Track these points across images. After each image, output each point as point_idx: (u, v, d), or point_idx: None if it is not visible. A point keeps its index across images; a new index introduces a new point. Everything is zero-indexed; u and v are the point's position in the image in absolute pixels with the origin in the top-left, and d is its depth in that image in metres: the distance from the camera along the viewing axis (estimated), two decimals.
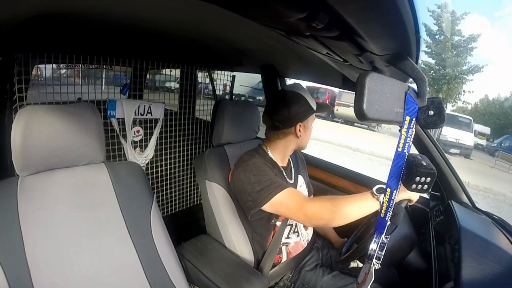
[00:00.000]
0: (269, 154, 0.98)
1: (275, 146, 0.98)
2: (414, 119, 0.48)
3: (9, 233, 0.62)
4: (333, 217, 0.75)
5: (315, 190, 1.22)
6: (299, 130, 0.93)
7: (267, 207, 0.83)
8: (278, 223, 0.96)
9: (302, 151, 1.12)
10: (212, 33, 0.91)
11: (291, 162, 1.05)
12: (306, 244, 1.04)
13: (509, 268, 0.66)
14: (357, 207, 0.74)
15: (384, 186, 0.68)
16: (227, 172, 1.01)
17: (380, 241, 0.60)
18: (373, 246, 0.61)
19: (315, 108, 0.94)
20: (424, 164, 0.49)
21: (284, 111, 0.92)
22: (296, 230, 1.01)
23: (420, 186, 0.50)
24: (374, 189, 0.74)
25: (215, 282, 0.88)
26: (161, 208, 1.52)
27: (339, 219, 0.74)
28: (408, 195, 0.76)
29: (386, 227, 0.59)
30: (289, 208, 0.82)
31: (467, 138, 8.39)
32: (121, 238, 0.76)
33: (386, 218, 0.57)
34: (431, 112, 0.50)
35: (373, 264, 0.61)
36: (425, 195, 1.21)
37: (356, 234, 0.97)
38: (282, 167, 0.99)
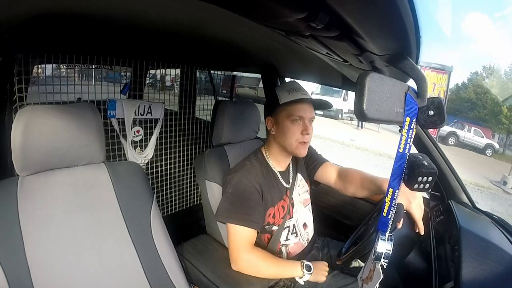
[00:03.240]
0: (267, 158, 0.98)
1: (268, 147, 1.00)
2: (414, 120, 0.48)
3: (9, 233, 0.62)
4: (257, 274, 0.87)
5: (316, 192, 1.22)
6: (271, 126, 0.94)
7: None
8: (275, 228, 0.96)
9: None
10: (212, 33, 0.91)
11: (290, 165, 1.04)
12: (307, 244, 1.04)
13: (509, 268, 0.66)
14: (281, 273, 0.89)
15: (311, 264, 0.88)
16: (228, 172, 1.01)
17: (387, 239, 0.60)
18: (383, 245, 0.60)
19: (281, 102, 0.89)
20: (426, 164, 0.49)
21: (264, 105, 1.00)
22: (294, 231, 1.00)
23: (422, 185, 0.50)
24: (304, 263, 0.87)
25: (215, 282, 0.88)
26: (161, 208, 1.52)
27: (262, 276, 0.87)
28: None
29: (389, 226, 0.59)
30: (231, 241, 0.89)
31: (337, 103, 10.98)
32: (121, 238, 0.76)
33: (389, 217, 0.57)
34: (431, 112, 0.50)
35: (382, 262, 0.61)
36: (425, 195, 1.21)
37: (356, 234, 0.97)
38: (279, 171, 0.99)
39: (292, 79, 1.45)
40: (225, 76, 1.79)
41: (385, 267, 0.61)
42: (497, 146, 12.38)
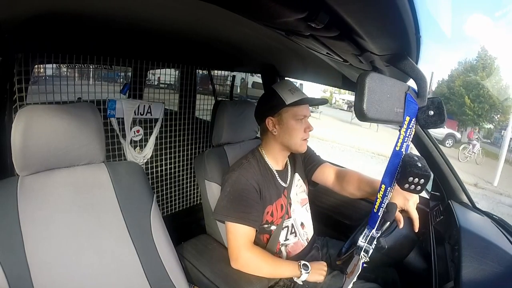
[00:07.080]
0: (264, 157, 0.98)
1: (265, 147, 0.99)
2: (413, 119, 0.48)
3: (9, 233, 0.62)
4: (256, 272, 0.88)
5: (315, 193, 1.22)
6: (273, 126, 0.93)
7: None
8: (273, 228, 0.96)
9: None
10: (212, 33, 0.91)
11: (289, 164, 1.04)
12: (306, 243, 1.04)
13: (509, 268, 0.66)
14: (279, 273, 0.90)
15: (308, 264, 0.88)
16: (226, 172, 1.01)
17: (370, 235, 0.61)
18: (366, 239, 0.62)
19: (287, 103, 0.89)
20: (419, 165, 0.49)
21: (258, 105, 0.99)
22: (293, 230, 1.00)
23: (413, 186, 0.50)
24: (302, 263, 0.88)
25: (215, 282, 0.88)
26: (161, 208, 1.52)
27: (261, 275, 0.88)
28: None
29: (378, 223, 0.60)
30: (230, 240, 0.89)
31: None
32: (121, 238, 0.76)
33: (379, 214, 0.58)
34: (431, 112, 0.50)
35: (361, 256, 0.62)
36: (425, 195, 1.21)
37: (355, 234, 0.97)
38: (276, 170, 0.99)
39: (286, 78, 1.46)
40: (201, 75, 1.86)
41: (364, 261, 0.62)
42: (459, 136, 11.85)
